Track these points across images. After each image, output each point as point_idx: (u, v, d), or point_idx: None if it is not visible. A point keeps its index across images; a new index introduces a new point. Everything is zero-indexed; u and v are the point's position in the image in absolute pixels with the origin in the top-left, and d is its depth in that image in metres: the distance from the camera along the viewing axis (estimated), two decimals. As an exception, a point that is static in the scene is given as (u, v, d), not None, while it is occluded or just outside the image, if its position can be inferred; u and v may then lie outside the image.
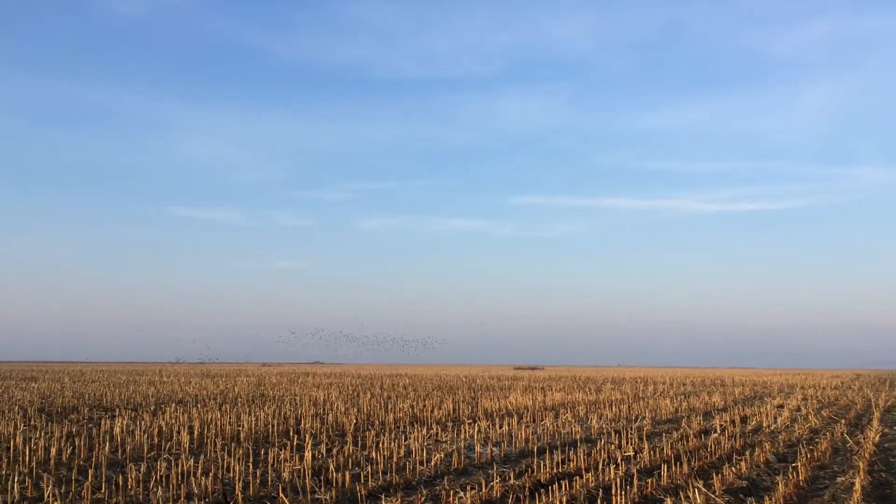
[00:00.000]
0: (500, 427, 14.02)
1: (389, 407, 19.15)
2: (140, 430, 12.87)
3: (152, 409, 19.27)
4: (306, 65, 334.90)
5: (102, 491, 8.12)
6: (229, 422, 14.34)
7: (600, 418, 16.90)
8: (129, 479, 8.47)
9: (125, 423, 14.18)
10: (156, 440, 12.13)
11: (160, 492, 7.84)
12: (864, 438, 13.57)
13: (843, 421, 17.27)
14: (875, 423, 16.87)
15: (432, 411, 18.09)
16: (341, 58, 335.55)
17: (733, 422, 16.76)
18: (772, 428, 15.30)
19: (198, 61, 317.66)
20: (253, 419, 14.23)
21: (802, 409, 21.43)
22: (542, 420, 16.39)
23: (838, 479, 9.35)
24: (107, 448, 10.69)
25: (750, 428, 15.41)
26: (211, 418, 15.15)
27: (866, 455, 10.93)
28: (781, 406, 22.85)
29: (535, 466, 9.69)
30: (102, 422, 15.11)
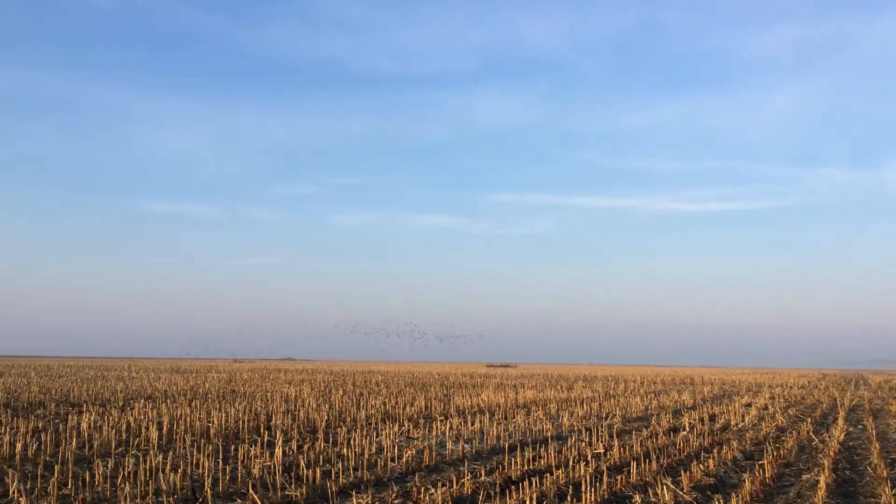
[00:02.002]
0: (472, 424, 14.05)
1: (361, 404, 19.11)
2: (108, 425, 12.71)
3: (121, 404, 19.03)
4: (279, 58, 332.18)
5: (69, 487, 8.01)
6: (199, 418, 14.21)
7: (571, 416, 17.00)
8: (97, 476, 8.37)
9: (93, 418, 14.00)
10: (124, 436, 11.98)
11: (128, 488, 7.75)
12: (829, 437, 13.81)
13: (809, 420, 17.55)
14: (840, 421, 17.17)
15: (405, 408, 18.08)
16: (315, 52, 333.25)
17: (702, 420, 16.96)
18: (739, 426, 15.51)
19: (168, 53, 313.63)
20: (223, 415, 14.11)
21: (770, 407, 21.75)
22: (514, 417, 16.46)
23: (803, 477, 9.51)
24: (74, 444, 10.54)
25: (718, 426, 15.60)
26: (180, 414, 15.00)
27: (831, 453, 11.13)
28: (749, 404, 23.16)
29: (506, 463, 9.72)
30: (69, 417, 14.89)
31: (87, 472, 8.49)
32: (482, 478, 8.63)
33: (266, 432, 12.95)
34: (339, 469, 8.97)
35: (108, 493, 7.84)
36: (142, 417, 14.51)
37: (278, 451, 9.52)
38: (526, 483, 8.12)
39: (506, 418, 16.33)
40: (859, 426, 17.01)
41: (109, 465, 8.89)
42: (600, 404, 21.07)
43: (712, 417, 17.91)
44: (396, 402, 20.02)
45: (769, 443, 12.58)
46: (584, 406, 19.72)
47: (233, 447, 11.00)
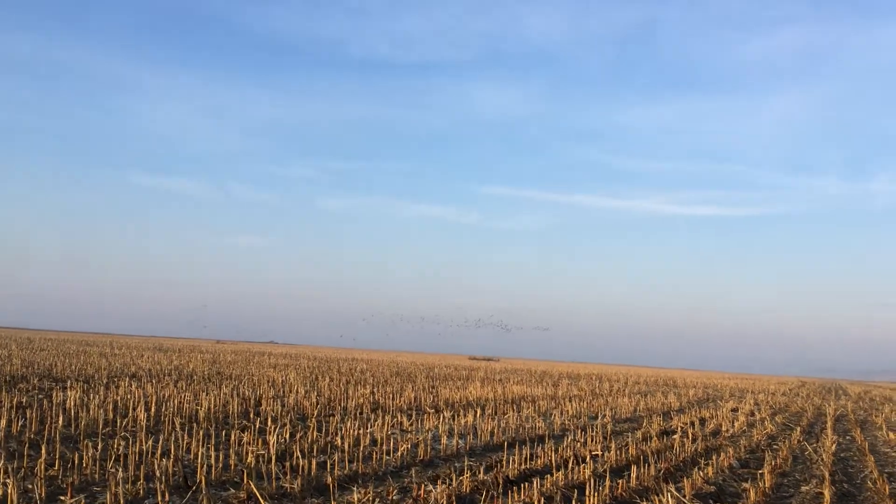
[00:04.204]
0: (464, 419, 13.89)
1: (350, 392, 18.91)
2: (94, 404, 12.44)
3: (105, 382, 18.73)
4: (279, 36, 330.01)
5: (56, 468, 7.77)
6: (187, 400, 13.96)
7: (562, 414, 16.88)
8: (85, 457, 8.13)
9: (77, 395, 13.71)
10: (111, 416, 11.72)
11: (119, 472, 7.52)
12: (821, 447, 13.76)
13: (798, 428, 17.52)
14: (829, 431, 17.16)
15: (393, 399, 17.90)
16: (316, 32, 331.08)
17: (692, 423, 16.89)
18: (730, 432, 15.44)
19: (166, 25, 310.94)
20: (211, 398, 13.87)
21: (756, 414, 21.75)
22: (506, 413, 16.32)
23: (802, 489, 9.41)
24: (60, 422, 10.28)
25: (709, 430, 15.53)
26: (167, 395, 14.75)
27: (828, 465, 11.05)
28: (736, 410, 23.16)
29: (503, 461, 9.57)
30: (54, 393, 14.61)
31: (76, 454, 8.25)
32: (481, 476, 8.46)
33: (256, 418, 12.73)
34: (335, 460, 8.77)
35: (96, 476, 7.61)
36: (128, 397, 14.24)
37: (272, 440, 9.32)
38: (527, 484, 7.96)
39: (496, 414, 16.18)
40: (847, 437, 17.01)
41: (99, 447, 8.65)
42: (589, 403, 20.99)
43: (702, 421, 17.85)
44: (384, 392, 19.83)
45: (768, 451, 12.49)
46: (574, 404, 19.62)
47: (224, 433, 10.78)
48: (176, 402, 13.51)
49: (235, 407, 13.32)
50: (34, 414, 10.80)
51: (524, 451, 10.07)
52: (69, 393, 14.11)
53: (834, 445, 13.95)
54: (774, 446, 13.80)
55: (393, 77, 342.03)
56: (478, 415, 15.04)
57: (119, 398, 13.91)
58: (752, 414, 21.73)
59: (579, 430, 13.96)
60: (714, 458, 10.94)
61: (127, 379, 19.99)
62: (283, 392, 17.71)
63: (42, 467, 7.42)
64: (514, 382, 30.96)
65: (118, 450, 8.78)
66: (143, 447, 8.87)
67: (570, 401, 21.73)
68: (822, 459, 11.96)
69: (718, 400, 29.36)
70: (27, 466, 7.79)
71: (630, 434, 14.27)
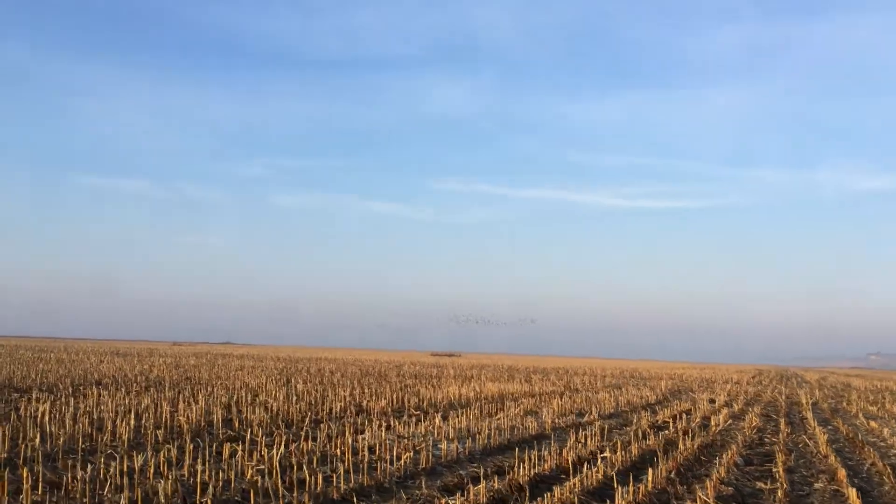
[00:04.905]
0: (456, 420, 13.49)
1: (328, 395, 18.37)
2: (69, 417, 11.73)
3: (71, 391, 17.88)
4: (226, 34, 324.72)
5: (40, 492, 7.16)
6: (164, 410, 13.30)
7: (550, 412, 16.61)
8: (72, 479, 7.53)
9: (46, 407, 12.94)
10: (87, 429, 11.04)
11: (111, 495, 6.95)
12: (812, 440, 13.70)
13: (781, 420, 17.55)
14: (812, 422, 17.21)
15: (375, 400, 17.43)
16: (263, 29, 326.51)
17: (676, 417, 16.80)
18: (719, 426, 15.33)
19: (110, 24, 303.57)
20: (193, 408, 13.25)
21: (734, 405, 21.81)
22: (496, 413, 15.98)
23: (816, 486, 9.24)
24: (37, 439, 9.59)
25: (696, 424, 15.41)
26: (143, 405, 14.05)
27: (836, 460, 10.91)
28: (713, 401, 23.22)
29: (511, 466, 9.21)
30: (21, 405, 13.80)
31: (63, 475, 7.64)
32: (496, 484, 8.08)
33: (242, 427, 12.15)
34: (339, 472, 8.30)
35: (86, 499, 7.03)
36: (101, 408, 13.52)
37: (275, 454, 8.80)
38: (547, 493, 7.61)
39: (484, 414, 15.83)
40: (830, 427, 17.08)
41: (88, 468, 8.02)
42: (571, 399, 20.78)
43: (686, 414, 17.75)
44: (363, 393, 19.34)
45: (777, 450, 12.37)
46: (557, 401, 19.38)
47: (213, 446, 10.21)
48: (153, 412, 12.85)
49: (218, 416, 12.72)
50: (5, 430, 10.08)
51: (529, 455, 9.72)
52: (38, 405, 13.33)
53: (825, 436, 13.92)
54: (767, 440, 13.72)
55: (343, 74, 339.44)
56: (469, 416, 14.66)
57: (91, 409, 13.19)
58: (730, 405, 21.79)
59: (571, 429, 13.68)
60: (720, 455, 10.75)
61: (93, 387, 19.14)
62: (263, 398, 17.10)
63: (27, 493, 6.82)
64: (486, 379, 30.67)
65: (106, 469, 8.17)
66: (133, 464, 8.28)
67: (552, 397, 21.51)
68: (822, 453, 11.88)
69: (690, 391, 29.51)
70: (9, 491, 7.17)
71: (620, 430, 14.06)
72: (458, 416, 14.30)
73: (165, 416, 12.41)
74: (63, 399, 15.29)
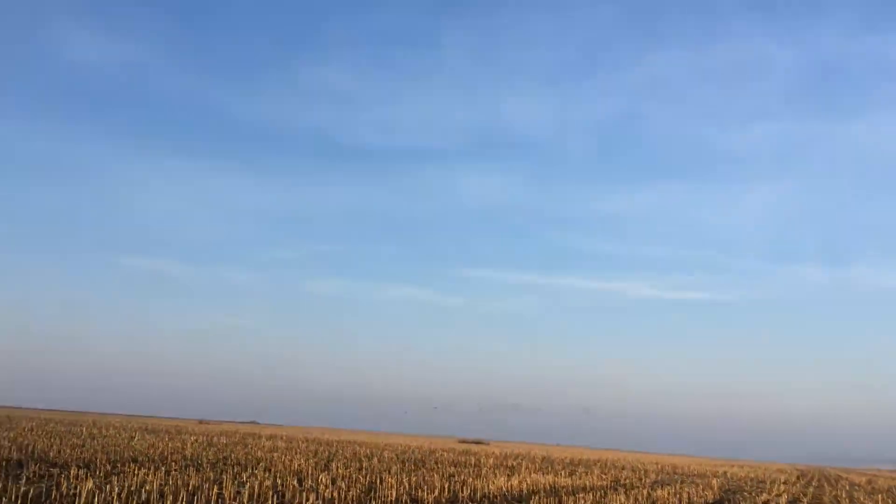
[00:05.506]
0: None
1: (377, 482, 17.45)
2: (115, 495, 11.05)
3: (108, 468, 17.19)
4: (269, 127, 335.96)
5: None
6: (214, 492, 12.55)
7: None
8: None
9: (89, 487, 12.26)
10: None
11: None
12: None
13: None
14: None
15: (428, 491, 16.46)
16: (304, 121, 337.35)
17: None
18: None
19: (160, 115, 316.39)
20: (245, 491, 12.49)
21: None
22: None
23: None
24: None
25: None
26: (192, 485, 13.31)
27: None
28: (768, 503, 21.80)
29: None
30: (61, 481, 13.15)
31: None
32: None
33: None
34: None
35: None
36: (146, 487, 12.80)
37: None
38: None
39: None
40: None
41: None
42: (631, 495, 19.57)
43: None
44: (411, 482, 18.37)
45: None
46: (610, 496, 18.22)
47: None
48: (207, 493, 12.12)
49: (273, 501, 11.94)
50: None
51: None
52: (82, 482, 12.66)
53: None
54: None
55: (380, 162, 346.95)
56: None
57: (135, 488, 12.48)
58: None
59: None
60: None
61: (129, 464, 18.44)
62: (308, 482, 16.24)
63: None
64: (529, 470, 29.34)
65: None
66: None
67: (600, 492, 20.32)
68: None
69: (744, 492, 27.91)
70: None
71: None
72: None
73: (214, 499, 11.68)
74: (97, 475, 14.61)
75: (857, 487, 42.90)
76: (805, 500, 25.15)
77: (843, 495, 30.43)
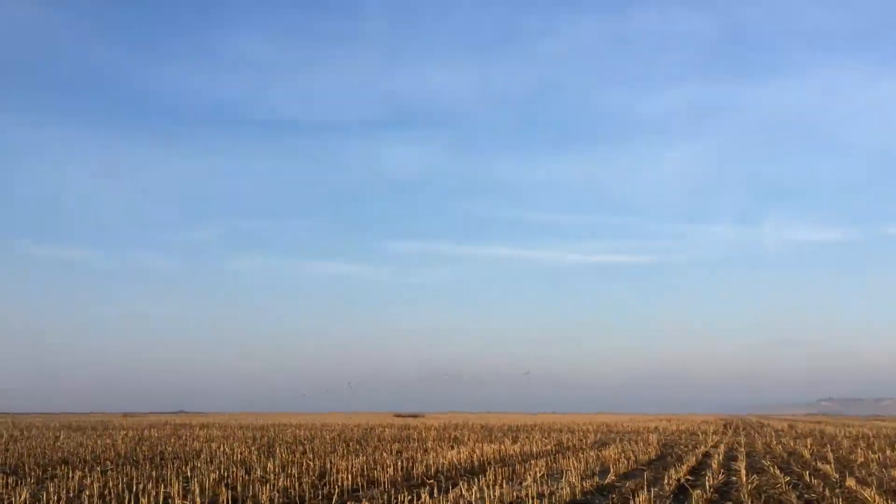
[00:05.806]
0: (491, 491, 12.30)
1: (328, 465, 16.97)
2: (53, 503, 10.25)
3: (37, 472, 16.15)
4: (179, 97, 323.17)
5: None
6: (161, 492, 11.84)
7: (571, 474, 15.53)
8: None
9: (25, 494, 11.38)
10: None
11: None
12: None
13: (805, 472, 16.79)
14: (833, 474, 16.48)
15: (383, 470, 16.09)
16: (217, 92, 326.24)
17: (694, 473, 15.96)
18: (747, 486, 14.41)
19: (60, 85, 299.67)
20: (194, 486, 11.83)
21: (738, 460, 21.00)
22: (523, 478, 14.83)
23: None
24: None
25: (719, 482, 14.57)
26: (139, 487, 12.52)
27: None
28: (708, 455, 22.40)
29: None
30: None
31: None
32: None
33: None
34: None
35: None
36: (89, 492, 11.97)
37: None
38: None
39: (506, 479, 14.65)
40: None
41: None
42: (584, 459, 19.69)
43: (697, 471, 16.85)
44: (370, 462, 17.96)
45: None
46: (567, 461, 18.29)
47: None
48: (151, 494, 11.40)
49: (227, 497, 11.34)
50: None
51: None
52: (11, 492, 11.74)
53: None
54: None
55: (298, 136, 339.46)
56: (500, 483, 13.47)
57: (75, 493, 11.66)
58: (733, 459, 20.97)
59: (613, 490, 12.64)
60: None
61: (62, 466, 17.39)
62: (256, 472, 15.63)
63: None
64: (473, 440, 29.34)
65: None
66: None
67: (547, 457, 20.41)
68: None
69: (679, 445, 28.67)
70: None
71: (653, 487, 13.04)
72: (487, 484, 13.09)
73: (162, 499, 11.01)
74: (25, 481, 13.65)
75: (781, 433, 44.85)
76: (742, 448, 25.99)
77: (774, 442, 31.64)
